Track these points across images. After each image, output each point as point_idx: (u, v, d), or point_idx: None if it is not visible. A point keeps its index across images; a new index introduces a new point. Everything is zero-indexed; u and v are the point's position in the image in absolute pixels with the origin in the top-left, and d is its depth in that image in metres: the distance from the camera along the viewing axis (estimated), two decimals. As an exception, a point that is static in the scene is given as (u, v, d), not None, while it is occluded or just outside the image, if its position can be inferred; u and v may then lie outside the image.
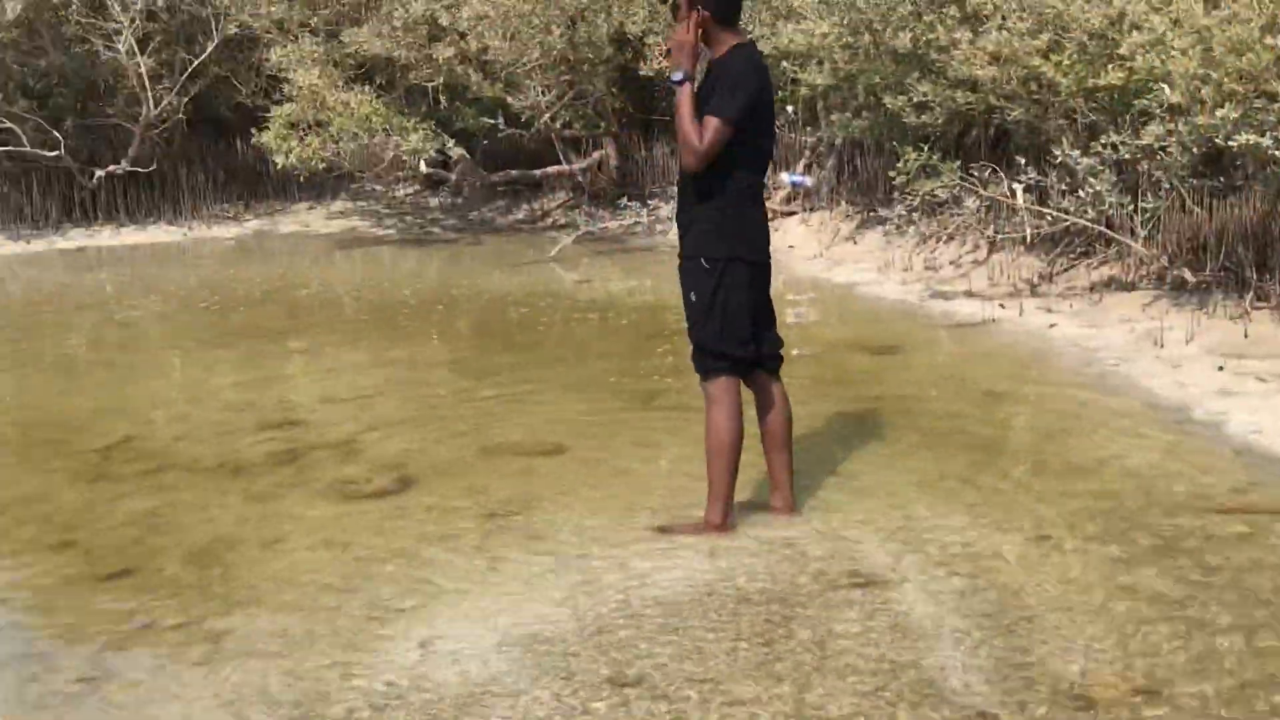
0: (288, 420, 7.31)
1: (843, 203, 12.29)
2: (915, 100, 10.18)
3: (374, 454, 6.51)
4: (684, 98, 4.85)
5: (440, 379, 8.36)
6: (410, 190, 17.26)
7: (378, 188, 17.25)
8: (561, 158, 14.92)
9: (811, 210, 12.59)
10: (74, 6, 15.75)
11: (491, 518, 5.40)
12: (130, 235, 16.26)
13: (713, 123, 4.76)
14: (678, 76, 4.88)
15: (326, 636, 4.35)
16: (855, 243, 11.71)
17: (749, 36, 5.19)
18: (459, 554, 5.03)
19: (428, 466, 6.22)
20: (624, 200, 13.88)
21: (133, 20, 15.45)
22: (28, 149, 15.82)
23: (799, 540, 4.95)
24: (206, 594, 4.82)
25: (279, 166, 14.48)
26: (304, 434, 6.99)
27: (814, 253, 11.75)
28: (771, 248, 5.16)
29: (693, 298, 5.04)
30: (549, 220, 15.26)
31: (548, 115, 13.77)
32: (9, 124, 15.57)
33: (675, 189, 13.44)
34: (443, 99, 14.58)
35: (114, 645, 4.42)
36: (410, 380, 8.37)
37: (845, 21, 10.56)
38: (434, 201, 17.02)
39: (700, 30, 4.91)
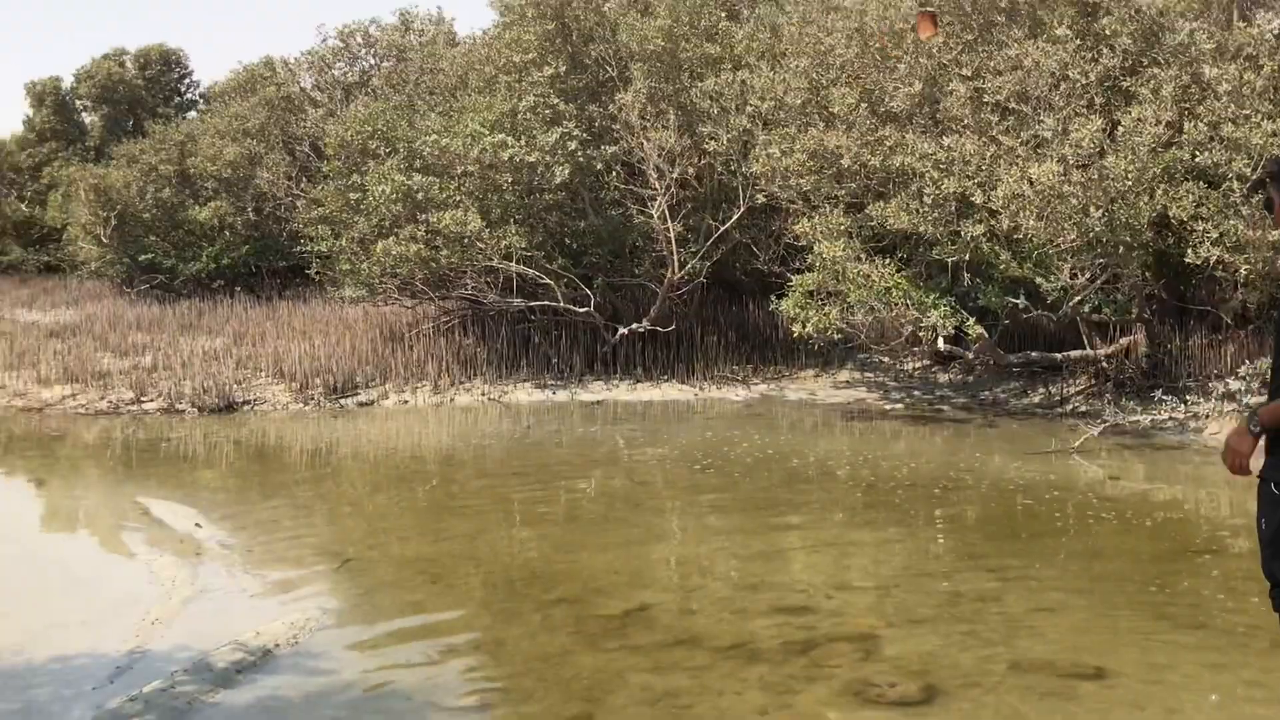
0: (802, 605, 7.07)
1: None
2: None
3: (893, 654, 6.15)
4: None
5: (955, 573, 7.87)
6: (919, 364, 16.96)
7: (885, 359, 17.04)
8: (1085, 341, 14.20)
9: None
10: (614, 173, 16.71)
11: (1031, 749, 4.91)
12: (644, 391, 16.82)
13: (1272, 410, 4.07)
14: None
15: None
16: None
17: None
18: (996, 789, 4.56)
19: (953, 675, 5.79)
20: (1157, 393, 12.98)
21: (668, 187, 16.22)
22: (560, 304, 16.78)
23: None
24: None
25: (795, 335, 14.53)
26: (819, 622, 6.73)
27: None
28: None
29: (1262, 524, 4.38)
30: (1067, 406, 14.46)
31: (1078, 298, 13.16)
32: (547, 280, 16.57)
33: (1212, 383, 12.66)
34: (965, 275, 14.24)
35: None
36: (924, 572, 7.95)
37: None
38: (943, 377, 16.63)
39: None
